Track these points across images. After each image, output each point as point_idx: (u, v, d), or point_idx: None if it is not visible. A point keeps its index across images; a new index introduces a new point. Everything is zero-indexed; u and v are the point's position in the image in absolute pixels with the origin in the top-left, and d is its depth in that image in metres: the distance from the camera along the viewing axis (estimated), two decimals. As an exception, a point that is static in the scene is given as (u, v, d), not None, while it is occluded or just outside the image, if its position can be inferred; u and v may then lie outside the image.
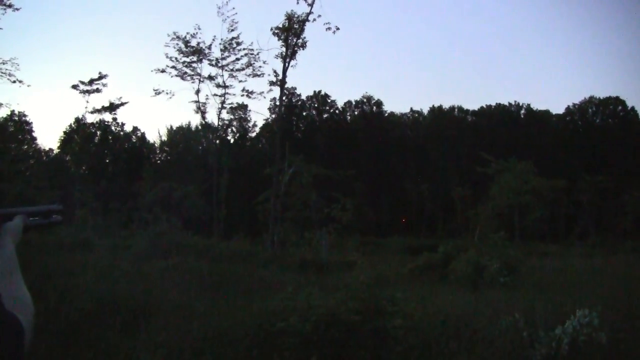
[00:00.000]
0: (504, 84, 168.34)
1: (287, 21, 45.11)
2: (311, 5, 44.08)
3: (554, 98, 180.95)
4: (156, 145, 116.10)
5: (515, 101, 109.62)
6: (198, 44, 54.80)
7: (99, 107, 73.68)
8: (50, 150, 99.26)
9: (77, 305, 11.90)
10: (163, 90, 55.99)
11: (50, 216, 2.40)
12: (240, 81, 57.59)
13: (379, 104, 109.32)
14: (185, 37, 54.37)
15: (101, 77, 69.57)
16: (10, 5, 41.87)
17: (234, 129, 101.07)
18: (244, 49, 54.39)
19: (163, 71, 55.86)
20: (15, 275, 1.97)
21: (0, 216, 2.13)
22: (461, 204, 77.42)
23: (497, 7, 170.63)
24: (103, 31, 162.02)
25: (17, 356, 1.63)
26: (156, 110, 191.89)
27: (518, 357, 8.73)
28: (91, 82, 69.12)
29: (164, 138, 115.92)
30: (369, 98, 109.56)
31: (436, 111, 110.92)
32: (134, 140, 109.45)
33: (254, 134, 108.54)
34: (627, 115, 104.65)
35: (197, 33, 54.82)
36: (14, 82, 45.85)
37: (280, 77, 46.97)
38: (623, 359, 8.81)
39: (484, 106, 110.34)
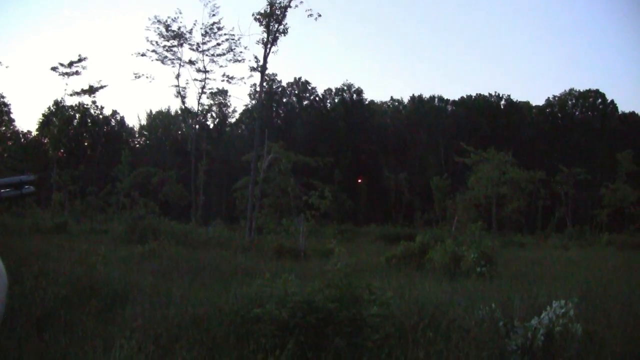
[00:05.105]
0: (484, 75, 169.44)
1: (268, 7, 45.01)
2: (293, -9, 44.08)
3: (535, 89, 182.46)
4: (135, 129, 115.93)
5: (495, 92, 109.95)
6: (179, 28, 54.61)
7: (78, 89, 73.26)
8: (29, 132, 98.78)
9: (53, 290, 11.82)
10: (143, 74, 55.75)
11: (22, 187, 2.37)
12: (221, 66, 57.57)
13: (359, 92, 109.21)
14: (166, 21, 54.18)
15: (81, 59, 69.14)
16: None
17: (213, 114, 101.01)
18: (225, 34, 54.32)
19: (143, 55, 55.66)
20: None
21: None
22: (439, 193, 77.61)
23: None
24: (84, 13, 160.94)
25: None
26: (136, 94, 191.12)
27: (494, 346, 8.77)
28: (71, 64, 68.66)
29: (143, 122, 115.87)
30: (350, 86, 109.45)
31: (416, 100, 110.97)
32: (113, 124, 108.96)
33: (233, 120, 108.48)
34: (606, 108, 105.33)
35: (178, 17, 54.79)
36: (-8, 62, 45.37)
37: (261, 63, 46.95)
38: (598, 350, 8.88)
39: (464, 96, 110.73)
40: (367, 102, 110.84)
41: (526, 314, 10.13)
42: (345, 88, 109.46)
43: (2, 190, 2.25)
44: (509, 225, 70.79)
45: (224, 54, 55.49)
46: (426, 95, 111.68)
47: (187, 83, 70.20)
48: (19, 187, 2.35)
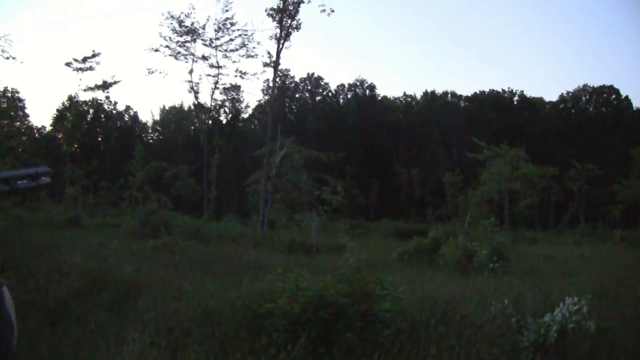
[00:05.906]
0: (497, 70, 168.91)
1: (281, 2, 45.01)
2: (306, -13, 44.09)
3: (548, 85, 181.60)
4: (148, 124, 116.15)
5: (508, 87, 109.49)
6: (192, 23, 54.37)
7: (92, 85, 73.60)
8: (43, 127, 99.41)
9: (66, 283, 11.90)
10: (156, 70, 55.64)
11: (39, 178, 2.39)
12: (234, 62, 57.29)
13: (372, 87, 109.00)
14: (179, 16, 53.98)
15: (94, 55, 69.53)
16: (3, -19, 41.53)
17: (226, 109, 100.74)
18: (238, 30, 54.06)
19: (157, 50, 55.44)
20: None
21: None
22: (451, 189, 77.55)
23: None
24: (97, 9, 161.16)
25: (8, 349, 1.65)
26: (149, 89, 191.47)
27: (506, 343, 8.74)
28: (84, 60, 69.00)
29: (156, 117, 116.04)
30: (362, 81, 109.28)
31: (429, 96, 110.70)
32: (126, 119, 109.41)
33: (246, 115, 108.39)
34: (620, 104, 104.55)
35: (191, 13, 54.45)
36: (7, 58, 45.45)
37: (273, 58, 46.98)
38: (611, 347, 8.84)
39: (477, 92, 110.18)
40: (379, 98, 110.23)
41: (539, 310, 10.11)
42: (358, 84, 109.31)
43: (19, 182, 2.27)
44: (521, 221, 70.47)
45: (237, 50, 55.29)
46: (439, 90, 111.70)
47: (200, 78, 69.87)
48: (35, 179, 2.38)
